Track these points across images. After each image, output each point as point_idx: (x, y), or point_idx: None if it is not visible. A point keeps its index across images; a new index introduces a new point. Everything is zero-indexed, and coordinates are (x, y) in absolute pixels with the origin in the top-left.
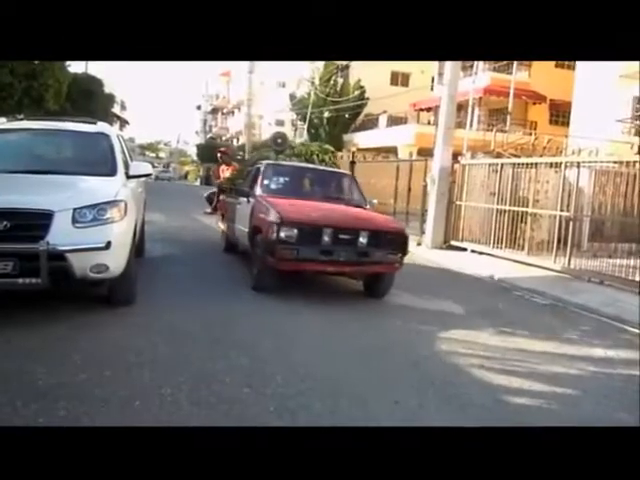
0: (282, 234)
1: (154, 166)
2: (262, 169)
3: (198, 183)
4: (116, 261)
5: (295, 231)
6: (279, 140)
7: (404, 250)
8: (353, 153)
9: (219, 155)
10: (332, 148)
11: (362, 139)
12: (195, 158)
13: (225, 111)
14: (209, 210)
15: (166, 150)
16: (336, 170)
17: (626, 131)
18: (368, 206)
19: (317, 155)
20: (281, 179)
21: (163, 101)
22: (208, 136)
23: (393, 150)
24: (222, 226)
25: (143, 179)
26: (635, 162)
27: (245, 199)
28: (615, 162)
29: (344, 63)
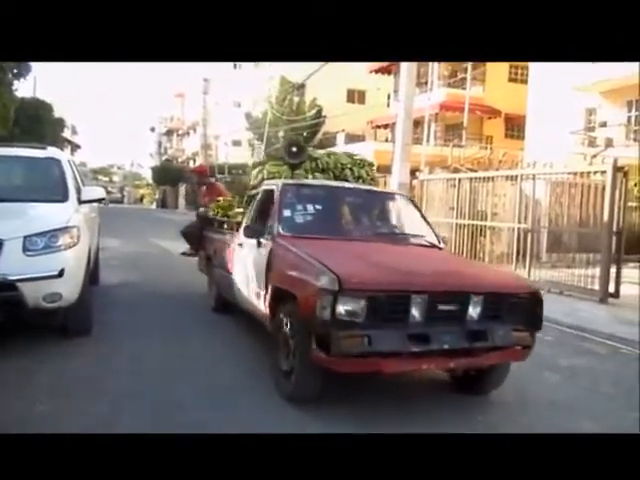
0: (341, 309)
1: (108, 191)
2: (278, 193)
3: (154, 206)
4: (70, 289)
5: (363, 304)
6: (294, 149)
7: (538, 323)
8: None
9: (195, 176)
10: (369, 159)
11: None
12: (150, 181)
13: (180, 132)
14: (188, 251)
15: (119, 174)
16: (387, 191)
17: (580, 142)
18: (442, 244)
19: (350, 169)
20: (309, 207)
21: (115, 124)
22: (163, 158)
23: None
24: (208, 274)
25: (96, 204)
26: (589, 173)
27: (253, 241)
28: (569, 173)
29: (299, 82)
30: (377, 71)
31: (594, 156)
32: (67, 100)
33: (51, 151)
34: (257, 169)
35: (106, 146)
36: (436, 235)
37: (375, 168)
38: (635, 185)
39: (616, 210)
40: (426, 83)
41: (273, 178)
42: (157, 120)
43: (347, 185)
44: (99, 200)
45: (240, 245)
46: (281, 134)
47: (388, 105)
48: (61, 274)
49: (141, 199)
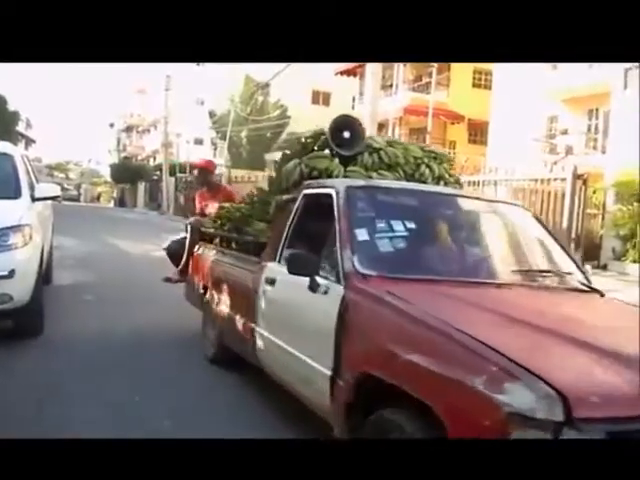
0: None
1: (63, 188)
2: (341, 201)
3: (112, 205)
4: (21, 290)
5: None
6: (345, 133)
7: None
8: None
9: (195, 173)
10: (446, 152)
11: None
12: (108, 179)
13: (140, 129)
14: (174, 276)
15: (76, 170)
16: (500, 201)
17: (541, 149)
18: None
19: (427, 166)
20: (397, 226)
21: (73, 119)
22: (122, 155)
23: None
24: (205, 311)
25: (51, 202)
26: (549, 180)
27: (302, 281)
28: (530, 180)
29: (264, 81)
30: (343, 73)
31: (555, 163)
32: (22, 92)
33: (3, 145)
34: (292, 164)
35: (63, 141)
36: (579, 267)
37: (452, 164)
38: (594, 192)
39: (575, 217)
40: (391, 86)
41: (317, 177)
42: (116, 116)
43: (446, 191)
44: (53, 198)
45: (270, 282)
46: (244, 133)
47: (353, 107)
48: (11, 275)
49: (98, 197)
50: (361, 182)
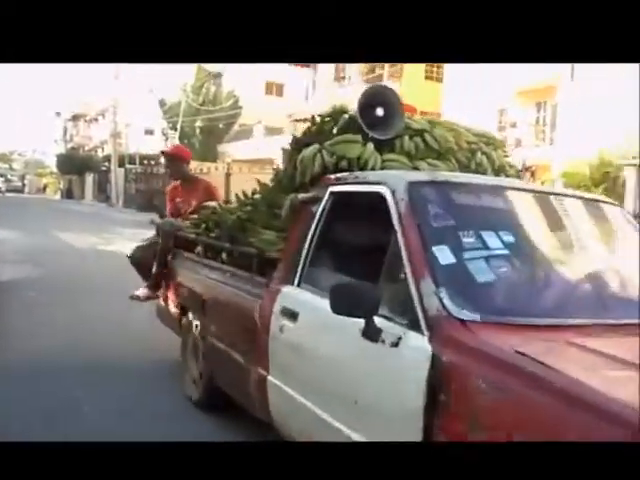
0: None
1: (7, 179)
2: (402, 206)
3: (59, 197)
4: None
5: None
6: (379, 110)
7: None
8: (229, 165)
9: (165, 163)
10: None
11: (238, 150)
12: (55, 170)
13: (88, 118)
14: (142, 292)
15: (21, 161)
16: (592, 198)
17: None
18: None
19: (485, 154)
20: (490, 239)
21: (17, 107)
22: (69, 145)
23: (270, 162)
24: (184, 338)
25: None
26: None
27: (350, 323)
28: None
29: (216, 70)
30: (297, 64)
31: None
32: None
33: None
34: (310, 151)
35: (6, 131)
36: None
37: (505, 150)
38: (542, 184)
39: None
40: (344, 78)
41: (347, 170)
42: (63, 104)
43: (539, 187)
44: None
45: (290, 316)
46: (199, 123)
47: (307, 98)
48: None
49: (44, 189)
50: (425, 175)
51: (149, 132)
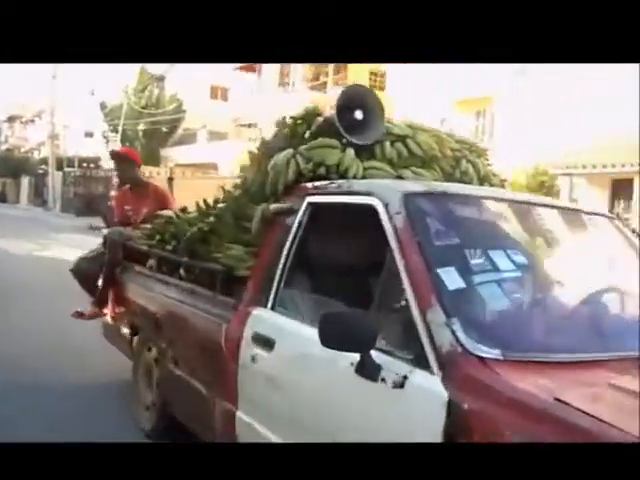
0: None
1: None
2: (398, 221)
3: None
4: None
5: None
6: (358, 113)
7: None
8: (171, 169)
9: (114, 165)
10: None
11: (181, 154)
12: None
13: (24, 120)
14: (89, 310)
15: None
16: (586, 211)
17: None
18: None
19: (470, 162)
20: (500, 261)
21: None
22: (4, 147)
23: (214, 167)
24: (136, 360)
25: None
26: None
27: (336, 356)
28: None
29: (159, 73)
30: (242, 68)
31: None
32: None
33: None
34: (283, 156)
35: None
36: None
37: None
38: None
39: None
40: (288, 84)
41: (325, 177)
42: None
43: (536, 199)
44: None
45: (264, 344)
46: (141, 127)
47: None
48: None
49: None
50: (420, 186)
51: (89, 134)
